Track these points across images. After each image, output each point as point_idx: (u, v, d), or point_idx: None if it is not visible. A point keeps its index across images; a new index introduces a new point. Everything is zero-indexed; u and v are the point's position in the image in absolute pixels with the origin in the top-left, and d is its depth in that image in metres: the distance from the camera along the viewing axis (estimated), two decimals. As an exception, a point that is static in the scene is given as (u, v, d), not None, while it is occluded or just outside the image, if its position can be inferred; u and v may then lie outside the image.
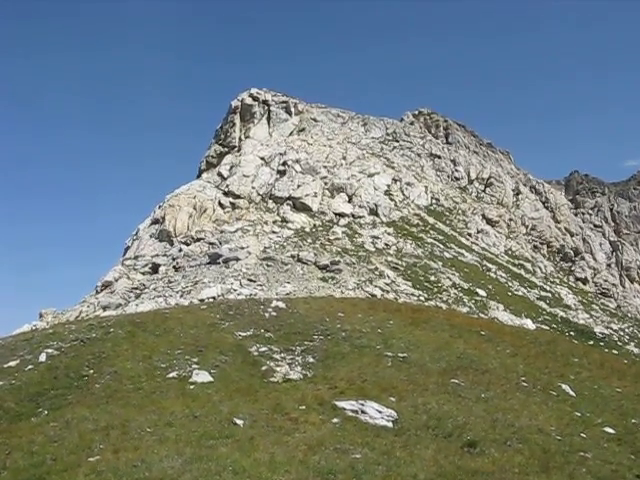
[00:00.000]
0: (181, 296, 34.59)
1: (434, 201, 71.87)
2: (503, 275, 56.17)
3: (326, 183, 61.30)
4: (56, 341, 20.02)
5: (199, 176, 67.71)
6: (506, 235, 75.59)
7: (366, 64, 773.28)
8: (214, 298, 32.57)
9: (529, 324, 38.52)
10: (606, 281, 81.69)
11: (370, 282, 39.75)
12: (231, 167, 63.49)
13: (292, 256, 41.85)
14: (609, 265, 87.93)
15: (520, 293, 52.22)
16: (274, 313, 24.92)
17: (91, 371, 17.25)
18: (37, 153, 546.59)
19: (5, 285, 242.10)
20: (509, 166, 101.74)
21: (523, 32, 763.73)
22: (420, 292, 40.69)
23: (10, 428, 13.37)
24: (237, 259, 40.59)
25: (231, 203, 56.34)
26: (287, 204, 55.98)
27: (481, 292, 45.00)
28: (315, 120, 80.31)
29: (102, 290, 45.06)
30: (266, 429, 12.51)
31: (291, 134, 74.30)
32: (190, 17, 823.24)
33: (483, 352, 21.62)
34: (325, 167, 64.40)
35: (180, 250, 46.29)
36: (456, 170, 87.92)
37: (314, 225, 52.86)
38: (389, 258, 47.41)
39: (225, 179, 60.98)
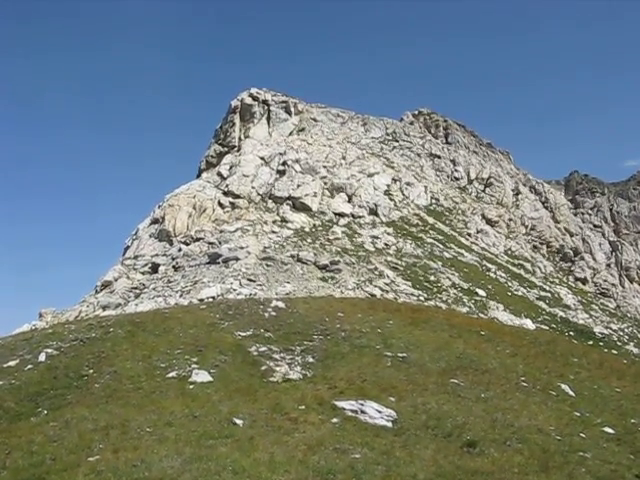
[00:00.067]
0: (181, 296, 34.60)
1: (434, 201, 71.90)
2: (503, 275, 56.19)
3: (326, 183, 61.30)
4: (56, 341, 20.02)
5: (199, 176, 67.70)
6: (506, 235, 75.63)
7: (366, 64, 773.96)
8: (214, 298, 32.56)
9: (529, 324, 38.52)
10: (605, 281, 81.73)
11: (370, 282, 39.76)
12: (231, 167, 63.46)
13: (292, 256, 41.84)
14: (609, 265, 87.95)
15: (520, 293, 52.23)
16: (274, 313, 24.92)
17: (91, 371, 17.25)
18: (37, 153, 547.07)
19: (5, 285, 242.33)
20: (509, 166, 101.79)
21: (523, 32, 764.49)
22: (420, 292, 40.69)
23: (10, 428, 13.37)
24: (237, 259, 40.58)
25: (231, 203, 56.31)
26: (287, 204, 55.97)
27: (481, 292, 45.01)
28: (315, 120, 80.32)
29: (102, 290, 45.06)
30: (266, 429, 12.51)
31: (291, 134, 74.29)
32: (190, 17, 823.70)
33: (483, 352, 21.62)
34: (325, 167, 64.40)
35: (180, 250, 46.28)
36: (456, 170, 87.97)
37: (314, 225, 52.85)
38: (389, 258, 47.42)
39: (225, 179, 60.96)
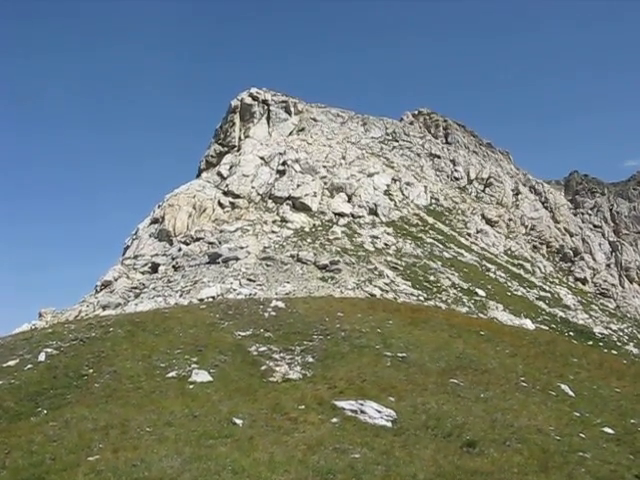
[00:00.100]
0: (180, 296, 34.61)
1: (433, 201, 71.92)
2: (502, 275, 56.19)
3: (326, 183, 61.31)
4: (55, 340, 20.04)
5: (199, 176, 67.70)
6: (505, 235, 75.65)
7: (366, 64, 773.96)
8: (213, 298, 32.58)
9: (528, 324, 38.49)
10: (605, 281, 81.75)
11: (369, 282, 39.75)
12: (231, 167, 63.47)
13: (291, 256, 41.85)
14: (608, 265, 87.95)
15: (519, 293, 52.23)
16: (273, 313, 24.93)
17: (90, 370, 17.27)
18: (37, 153, 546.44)
19: (5, 285, 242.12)
20: (508, 166, 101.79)
21: (523, 32, 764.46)
22: (419, 292, 40.69)
23: (9, 427, 13.39)
24: (236, 259, 40.60)
25: (231, 203, 56.33)
26: (287, 204, 55.97)
27: (480, 292, 45.01)
28: (315, 120, 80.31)
29: (101, 289, 45.08)
30: (265, 429, 12.52)
31: (291, 134, 74.29)
32: (190, 17, 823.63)
33: (482, 352, 21.62)
34: (325, 167, 64.41)
35: (179, 250, 46.30)
36: (455, 170, 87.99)
37: (313, 225, 52.86)
38: (388, 258, 47.41)
39: (225, 179, 60.97)
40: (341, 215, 56.63)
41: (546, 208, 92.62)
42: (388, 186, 66.56)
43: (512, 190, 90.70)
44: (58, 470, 10.23)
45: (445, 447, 11.83)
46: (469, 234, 67.00)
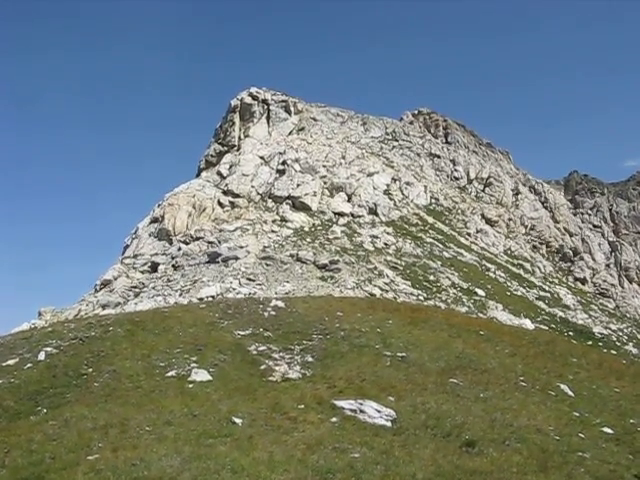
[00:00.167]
0: (180, 295, 34.62)
1: (433, 201, 71.93)
2: (502, 275, 56.23)
3: (325, 182, 61.33)
4: (55, 340, 20.04)
5: (198, 175, 67.66)
6: (505, 235, 75.67)
7: (366, 63, 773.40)
8: (213, 297, 32.59)
9: (528, 324, 38.53)
10: (605, 281, 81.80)
11: (369, 281, 39.78)
12: (230, 166, 63.47)
13: (291, 255, 41.87)
14: (608, 265, 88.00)
15: (519, 293, 52.27)
16: (273, 312, 24.94)
17: (90, 370, 17.28)
18: (37, 152, 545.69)
19: (5, 284, 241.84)
20: (508, 166, 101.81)
21: (523, 32, 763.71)
22: (419, 291, 40.72)
23: (9, 426, 13.40)
24: (236, 258, 40.62)
25: (230, 202, 56.33)
26: (286, 203, 56.00)
27: (480, 292, 45.04)
28: (314, 119, 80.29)
29: (101, 289, 45.09)
30: (265, 428, 12.52)
31: (290, 133, 74.26)
32: (190, 16, 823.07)
33: (482, 352, 21.63)
34: (324, 166, 64.42)
35: (179, 249, 46.30)
36: (455, 170, 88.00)
37: (313, 224, 52.88)
38: (388, 257, 47.44)
39: (224, 178, 60.97)
40: (341, 215, 56.66)
41: (546, 208, 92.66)
42: (388, 186, 66.59)
43: (512, 190, 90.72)
44: (58, 469, 10.23)
45: (444, 447, 11.83)
46: (469, 234, 67.04)
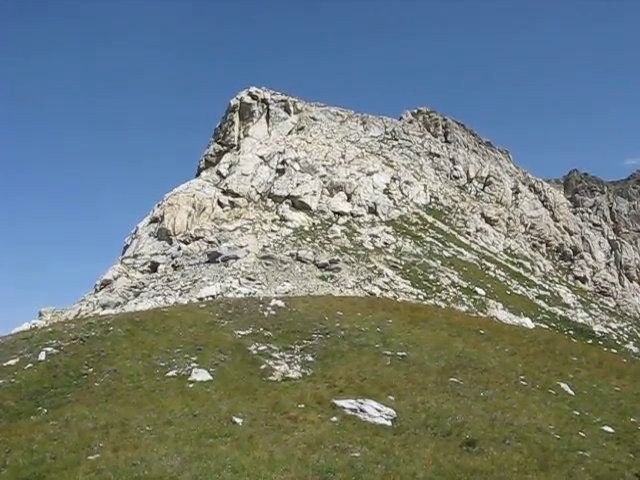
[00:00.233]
0: (180, 295, 34.60)
1: (433, 200, 71.89)
2: (502, 274, 56.21)
3: (325, 182, 61.30)
4: (55, 340, 20.04)
5: (198, 175, 67.62)
6: (505, 234, 75.63)
7: (365, 63, 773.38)
8: (213, 297, 32.58)
9: (528, 323, 38.54)
10: (605, 280, 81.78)
11: (369, 281, 39.77)
12: (230, 166, 63.44)
13: (291, 255, 41.87)
14: (608, 264, 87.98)
15: (519, 292, 52.26)
16: (273, 312, 24.94)
17: (90, 370, 17.28)
18: (37, 152, 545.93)
19: (4, 284, 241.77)
20: (508, 165, 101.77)
21: (522, 31, 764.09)
22: (419, 291, 40.71)
23: (10, 426, 13.40)
24: (236, 258, 40.60)
25: (230, 202, 56.30)
26: (286, 203, 55.98)
27: (480, 291, 45.03)
28: (314, 119, 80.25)
29: (101, 289, 45.06)
30: (265, 428, 12.52)
31: (290, 133, 74.21)
32: (189, 16, 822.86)
33: (482, 351, 21.64)
34: (324, 166, 64.39)
35: (179, 249, 46.28)
36: (455, 169, 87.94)
37: (313, 224, 52.87)
38: (388, 257, 47.44)
39: (224, 178, 60.94)
40: (340, 214, 56.65)
41: (546, 207, 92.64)
42: (387, 185, 66.57)
43: (512, 189, 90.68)
44: (58, 469, 10.24)
45: (445, 446, 11.84)
46: (469, 233, 67.01)
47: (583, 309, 58.11)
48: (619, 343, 45.79)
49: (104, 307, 36.79)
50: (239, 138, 71.20)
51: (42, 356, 18.20)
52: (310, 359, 19.37)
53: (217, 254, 41.24)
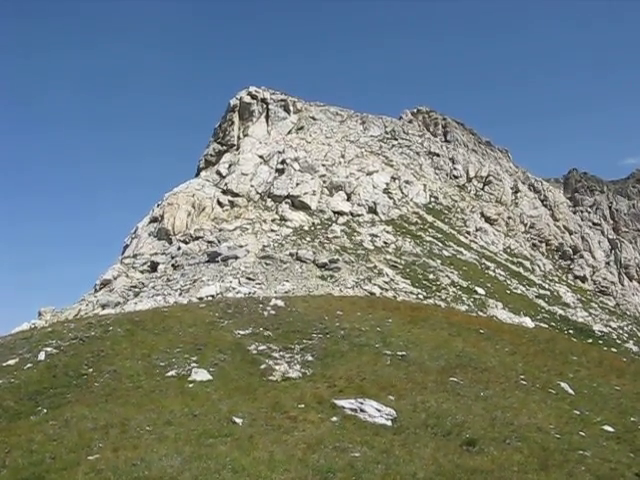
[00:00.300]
0: (180, 294, 34.60)
1: (433, 199, 71.88)
2: (502, 273, 56.21)
3: (325, 181, 61.29)
4: (55, 340, 20.03)
5: (198, 174, 67.65)
6: (505, 233, 75.63)
7: (365, 63, 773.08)
8: (213, 296, 32.57)
9: (528, 322, 38.52)
10: (605, 279, 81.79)
11: (369, 280, 39.77)
12: (230, 165, 63.44)
13: (291, 254, 41.86)
14: (608, 263, 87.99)
15: (519, 291, 52.26)
16: (273, 312, 24.93)
17: (90, 370, 17.27)
18: (36, 151, 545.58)
19: (4, 284, 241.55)
20: (508, 164, 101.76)
21: (522, 31, 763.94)
22: (419, 290, 40.71)
23: (9, 427, 13.39)
24: (236, 257, 40.60)
25: (230, 201, 56.30)
26: (286, 202, 55.97)
27: (480, 290, 45.02)
28: (314, 118, 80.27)
29: (101, 288, 45.07)
30: (265, 428, 12.51)
31: (290, 132, 74.23)
32: (189, 15, 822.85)
33: (482, 350, 21.63)
34: (324, 165, 64.39)
35: (179, 248, 46.28)
36: (455, 168, 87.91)
37: (313, 223, 52.86)
38: (388, 256, 47.43)
39: (224, 177, 60.95)
40: (340, 214, 56.63)
41: (545, 206, 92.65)
42: (387, 184, 66.58)
43: (511, 188, 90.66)
44: (58, 469, 10.22)
45: (445, 445, 11.83)
46: (468, 232, 66.99)
47: (583, 308, 58.12)
48: (619, 342, 45.81)
49: (104, 307, 36.78)
50: (239, 138, 71.21)
51: (42, 356, 18.19)
52: (310, 359, 19.35)
53: (217, 254, 41.24)
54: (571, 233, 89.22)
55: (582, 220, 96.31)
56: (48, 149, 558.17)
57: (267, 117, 74.89)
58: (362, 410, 13.70)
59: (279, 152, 64.48)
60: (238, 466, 10.03)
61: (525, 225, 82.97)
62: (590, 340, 40.80)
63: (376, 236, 52.26)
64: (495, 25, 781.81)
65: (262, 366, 18.39)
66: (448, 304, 38.66)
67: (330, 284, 37.60)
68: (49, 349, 18.86)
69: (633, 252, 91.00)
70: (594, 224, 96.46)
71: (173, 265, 43.47)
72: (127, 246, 54.45)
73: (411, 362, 19.05)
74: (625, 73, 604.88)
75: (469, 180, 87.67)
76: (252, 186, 58.67)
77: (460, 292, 42.92)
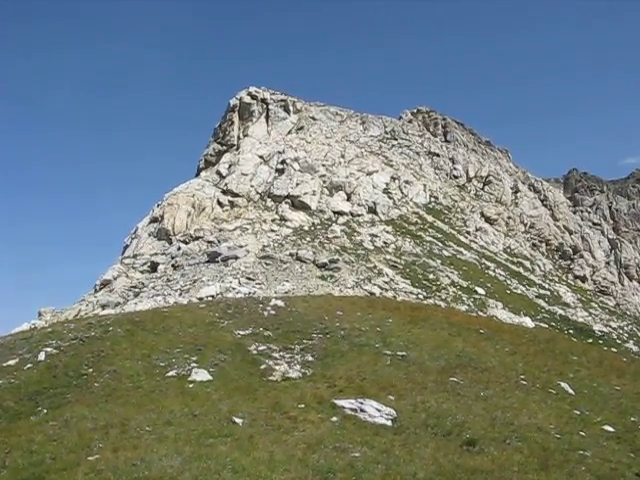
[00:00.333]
0: (180, 295, 34.59)
1: (433, 199, 71.88)
2: (502, 273, 56.21)
3: (325, 181, 61.29)
4: (55, 340, 20.02)
5: (198, 175, 67.64)
6: (505, 233, 75.63)
7: (365, 62, 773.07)
8: (213, 297, 32.56)
9: (528, 322, 38.52)
10: (605, 279, 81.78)
11: (369, 280, 39.76)
12: (230, 166, 63.43)
13: (291, 254, 41.86)
14: (608, 263, 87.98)
15: (519, 291, 52.26)
16: (273, 312, 24.92)
17: (90, 370, 17.26)
18: (36, 152, 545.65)
19: (4, 284, 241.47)
20: (508, 164, 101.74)
21: (521, 31, 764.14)
22: (419, 290, 40.71)
23: (9, 427, 13.38)
24: (236, 257, 40.59)
25: (230, 202, 56.29)
26: (286, 202, 55.96)
27: (480, 290, 45.02)
28: (313, 118, 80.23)
29: (101, 289, 45.06)
30: (265, 428, 12.51)
31: (290, 132, 74.22)
32: (189, 15, 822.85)
33: (482, 350, 21.62)
34: (324, 165, 64.38)
35: (179, 249, 46.27)
36: (455, 168, 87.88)
37: (313, 223, 52.85)
38: (388, 256, 47.43)
39: (224, 177, 60.94)
40: (340, 214, 56.63)
41: (545, 206, 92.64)
42: (387, 184, 66.58)
43: (511, 188, 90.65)
44: (58, 469, 10.22)
45: (445, 445, 11.83)
46: (468, 232, 66.99)
47: (583, 308, 58.12)
48: (619, 342, 45.82)
49: (104, 307, 36.78)
50: (239, 138, 71.20)
51: (42, 356, 18.18)
52: (310, 359, 19.35)
53: (217, 254, 41.24)
54: (571, 233, 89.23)
55: (582, 220, 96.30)
56: (48, 149, 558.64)
57: (267, 117, 74.88)
58: (362, 410, 13.70)
59: (279, 152, 64.47)
60: (238, 466, 10.03)
61: (525, 225, 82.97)
62: (590, 340, 40.81)
63: (376, 236, 52.26)
64: (495, 25, 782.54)
65: (262, 366, 18.39)
66: (448, 304, 38.66)
67: (330, 284, 37.60)
68: (49, 349, 18.85)
69: (633, 252, 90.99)
70: (594, 224, 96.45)
71: (173, 265, 43.47)
72: (127, 246, 54.45)
73: (411, 362, 19.05)
74: (625, 73, 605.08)
75: (469, 180, 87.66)
76: (252, 186, 58.67)
77: (460, 292, 42.92)
